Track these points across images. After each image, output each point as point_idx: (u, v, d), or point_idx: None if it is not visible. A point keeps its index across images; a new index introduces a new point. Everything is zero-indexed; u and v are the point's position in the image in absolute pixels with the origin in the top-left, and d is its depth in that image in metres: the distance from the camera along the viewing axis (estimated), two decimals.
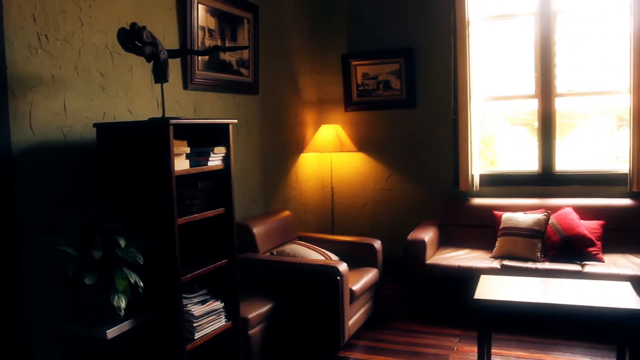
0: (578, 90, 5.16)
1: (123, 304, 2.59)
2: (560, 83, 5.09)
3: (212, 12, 4.10)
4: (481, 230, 4.97)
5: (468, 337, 4.09)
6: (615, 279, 3.85)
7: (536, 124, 5.22)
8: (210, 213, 3.15)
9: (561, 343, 3.93)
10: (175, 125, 2.78)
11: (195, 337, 3.00)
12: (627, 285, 3.44)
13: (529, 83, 5.20)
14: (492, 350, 3.68)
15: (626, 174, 4.85)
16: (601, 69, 5.07)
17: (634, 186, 4.77)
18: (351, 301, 3.98)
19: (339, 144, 5.39)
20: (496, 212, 4.88)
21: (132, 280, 2.65)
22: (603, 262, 4.30)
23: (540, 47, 5.08)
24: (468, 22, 5.13)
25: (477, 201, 5.17)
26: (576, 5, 5.02)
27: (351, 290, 3.96)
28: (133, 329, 2.77)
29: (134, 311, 2.77)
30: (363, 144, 5.73)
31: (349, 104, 5.77)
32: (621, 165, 5.02)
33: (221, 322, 3.22)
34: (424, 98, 5.50)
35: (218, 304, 3.20)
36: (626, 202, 4.76)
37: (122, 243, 2.63)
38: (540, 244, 4.46)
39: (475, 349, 3.34)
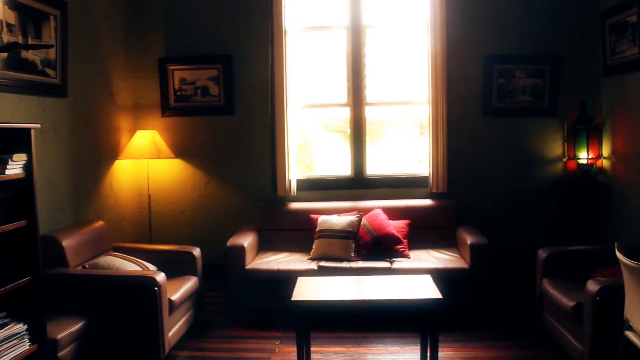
0: (386, 100, 5.59)
1: None
2: (370, 93, 5.47)
3: (11, 4, 3.74)
4: (299, 233, 5.14)
5: (289, 338, 4.19)
6: (419, 273, 4.22)
7: (349, 130, 5.54)
8: (9, 226, 2.90)
9: (374, 335, 4.22)
10: None
11: None
12: (428, 278, 3.81)
13: (342, 92, 5.50)
14: (312, 349, 3.82)
15: (427, 177, 5.37)
16: (406, 81, 5.56)
17: (433, 187, 5.29)
18: (170, 311, 3.88)
19: (155, 151, 5.23)
20: (313, 216, 5.09)
21: None
22: (409, 257, 4.69)
23: (352, 59, 5.41)
24: (285, 31, 5.29)
25: (295, 205, 5.34)
26: (383, 22, 5.45)
27: (170, 301, 3.86)
28: None
29: None
30: (181, 150, 5.62)
31: (166, 109, 5.62)
32: (423, 168, 5.52)
33: (24, 346, 2.97)
34: (242, 105, 5.55)
35: (20, 327, 2.95)
36: (427, 202, 5.27)
37: None
38: (353, 244, 4.73)
39: (296, 349, 3.44)
